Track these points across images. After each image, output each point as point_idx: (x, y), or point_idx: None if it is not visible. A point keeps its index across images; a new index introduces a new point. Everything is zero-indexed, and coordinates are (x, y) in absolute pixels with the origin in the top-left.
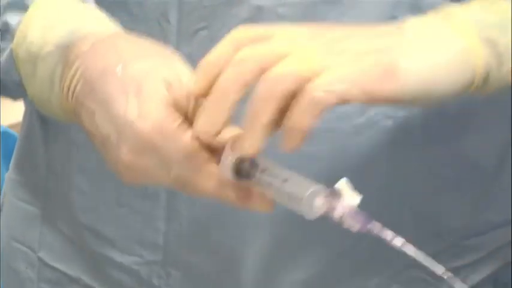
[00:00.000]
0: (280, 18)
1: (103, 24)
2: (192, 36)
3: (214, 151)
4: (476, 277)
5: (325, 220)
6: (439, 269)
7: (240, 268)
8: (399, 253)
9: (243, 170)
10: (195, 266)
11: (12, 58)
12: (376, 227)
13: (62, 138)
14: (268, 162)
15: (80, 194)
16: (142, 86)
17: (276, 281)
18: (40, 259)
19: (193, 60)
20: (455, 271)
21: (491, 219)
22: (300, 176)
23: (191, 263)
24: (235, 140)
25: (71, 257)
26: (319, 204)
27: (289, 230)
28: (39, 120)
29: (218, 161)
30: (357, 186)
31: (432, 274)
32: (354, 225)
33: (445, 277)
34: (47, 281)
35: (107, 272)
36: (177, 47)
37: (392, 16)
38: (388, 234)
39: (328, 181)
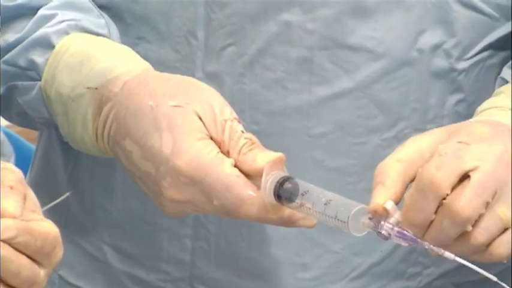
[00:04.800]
0: (308, 33)
1: (132, 61)
2: (219, 53)
3: (252, 176)
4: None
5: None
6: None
7: (266, 280)
8: None
9: (284, 193)
10: (222, 283)
11: (41, 96)
12: (424, 243)
13: (85, 158)
14: (307, 184)
15: (104, 212)
16: (174, 120)
17: None
18: (61, 277)
19: (220, 76)
20: None
21: None
22: (341, 197)
23: (218, 280)
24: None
25: (93, 274)
26: (364, 222)
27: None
28: (59, 140)
29: (258, 186)
30: None
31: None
32: (401, 241)
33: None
34: None
35: None
36: (204, 63)
37: (420, 30)
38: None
39: (357, 194)
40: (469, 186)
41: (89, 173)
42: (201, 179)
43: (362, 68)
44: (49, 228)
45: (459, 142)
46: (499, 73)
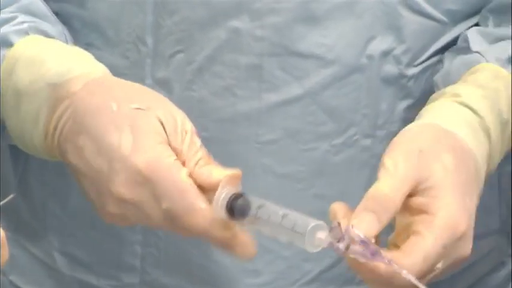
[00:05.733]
0: (257, 40)
1: (92, 65)
2: (168, 60)
3: (206, 190)
4: None
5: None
6: None
7: (216, 285)
8: None
9: (237, 207)
10: None
11: None
12: (383, 258)
13: (34, 163)
14: (261, 199)
15: (54, 218)
16: (137, 122)
17: None
18: (12, 283)
19: (169, 83)
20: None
21: None
22: (297, 212)
23: (169, 286)
24: (229, 180)
25: (44, 280)
26: (322, 237)
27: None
28: (8, 145)
29: (210, 201)
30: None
31: None
32: (360, 256)
33: None
34: None
35: None
36: (154, 70)
37: (371, 36)
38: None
39: (307, 201)
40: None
41: (39, 179)
42: (157, 180)
43: (312, 75)
44: None
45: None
46: None
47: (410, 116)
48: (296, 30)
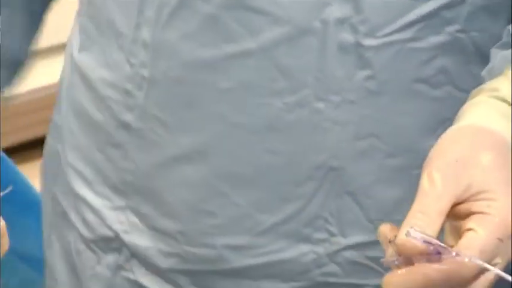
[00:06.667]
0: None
1: None
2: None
3: None
4: None
5: None
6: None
7: (178, 221)
8: None
9: None
10: (147, 216)
11: None
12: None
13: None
14: None
15: (70, 134)
16: None
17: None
18: None
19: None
20: None
21: None
22: None
23: (145, 214)
24: None
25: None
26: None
27: None
28: None
29: None
30: (288, 160)
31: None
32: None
33: None
34: None
35: (82, 211)
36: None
37: (325, 2)
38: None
39: (258, 154)
40: None
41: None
42: None
43: (265, 31)
44: None
45: None
46: (430, 60)
47: (370, 86)
48: None
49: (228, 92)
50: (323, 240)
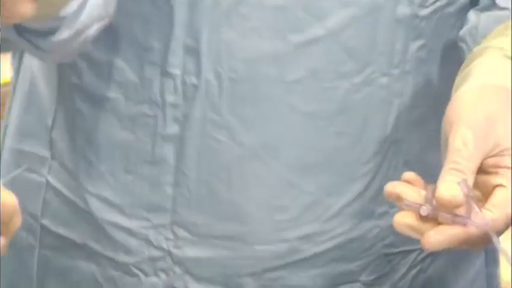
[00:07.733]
0: None
1: None
2: (196, 5)
3: None
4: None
5: None
6: None
7: (246, 222)
8: None
9: None
10: (202, 227)
11: None
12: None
13: (67, 108)
14: None
15: (87, 163)
16: None
17: (284, 233)
18: (43, 226)
19: (197, 28)
20: None
21: None
22: None
23: (198, 224)
24: None
25: (75, 222)
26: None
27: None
28: (45, 86)
29: None
30: (356, 140)
31: None
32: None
33: None
34: (49, 247)
35: (113, 237)
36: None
37: None
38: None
39: (328, 137)
40: None
41: (71, 125)
42: None
43: (332, 15)
44: (6, 199)
45: None
46: (455, 22)
47: (422, 55)
48: None
49: (296, 83)
50: (384, 213)
